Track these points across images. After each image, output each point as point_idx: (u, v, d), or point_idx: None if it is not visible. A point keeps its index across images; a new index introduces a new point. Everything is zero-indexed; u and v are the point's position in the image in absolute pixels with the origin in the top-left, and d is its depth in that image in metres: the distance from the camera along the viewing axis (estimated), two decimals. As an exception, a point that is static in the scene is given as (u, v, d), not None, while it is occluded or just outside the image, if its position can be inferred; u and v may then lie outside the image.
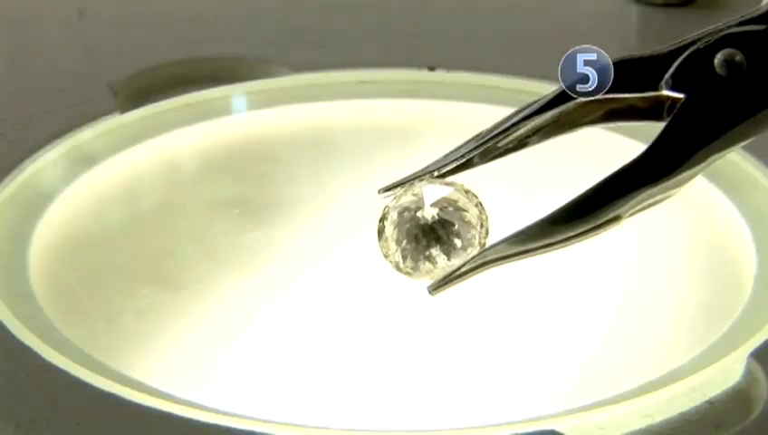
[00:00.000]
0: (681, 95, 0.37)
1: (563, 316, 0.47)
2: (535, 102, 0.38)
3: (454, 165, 0.39)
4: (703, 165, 0.37)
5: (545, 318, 0.47)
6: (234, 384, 0.44)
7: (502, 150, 0.39)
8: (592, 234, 0.37)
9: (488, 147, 0.39)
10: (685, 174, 0.37)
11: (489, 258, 0.37)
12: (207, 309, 0.47)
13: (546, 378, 0.44)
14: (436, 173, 0.39)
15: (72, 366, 0.40)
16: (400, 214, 0.38)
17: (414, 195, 0.38)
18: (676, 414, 0.38)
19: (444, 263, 0.37)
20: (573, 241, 0.37)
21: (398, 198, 0.38)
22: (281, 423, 0.38)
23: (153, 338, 0.45)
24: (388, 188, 0.39)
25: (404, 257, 0.38)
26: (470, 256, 0.37)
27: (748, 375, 0.40)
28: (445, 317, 0.47)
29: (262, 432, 0.37)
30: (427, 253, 0.38)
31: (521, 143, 0.39)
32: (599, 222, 0.36)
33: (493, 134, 0.38)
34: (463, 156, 0.39)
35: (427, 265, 0.38)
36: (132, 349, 0.44)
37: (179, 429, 0.37)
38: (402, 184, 0.38)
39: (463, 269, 0.37)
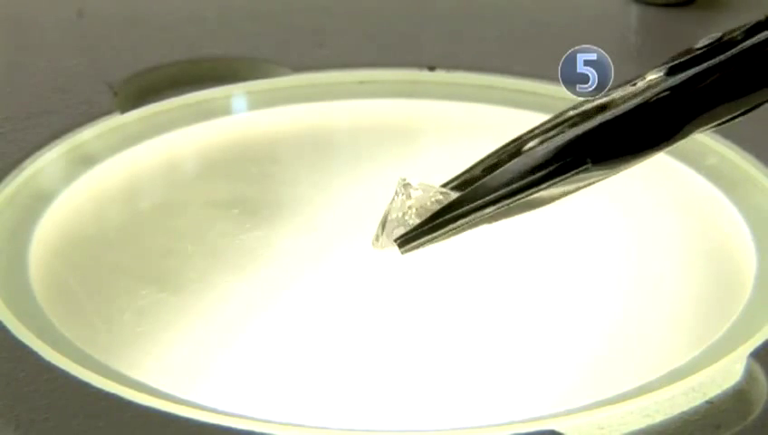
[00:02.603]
0: (662, 69, 0.36)
1: (564, 316, 0.47)
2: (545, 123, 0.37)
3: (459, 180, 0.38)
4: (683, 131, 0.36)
5: (546, 318, 0.47)
6: (234, 384, 0.44)
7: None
8: (558, 179, 0.36)
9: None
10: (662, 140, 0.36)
11: (460, 211, 0.36)
12: (207, 309, 0.47)
13: (546, 378, 0.44)
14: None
15: (72, 366, 0.40)
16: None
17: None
18: (676, 414, 0.38)
19: (414, 222, 0.37)
20: (539, 188, 0.36)
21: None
22: (280, 423, 0.38)
23: (153, 338, 0.45)
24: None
25: (381, 228, 0.37)
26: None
27: (748, 375, 0.40)
28: (445, 317, 0.47)
29: (261, 432, 0.37)
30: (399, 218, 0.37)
31: None
32: (567, 168, 0.36)
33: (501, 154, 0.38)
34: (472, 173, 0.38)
35: (401, 229, 0.37)
36: (132, 349, 0.44)
37: (179, 429, 0.37)
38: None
39: (432, 223, 0.36)
